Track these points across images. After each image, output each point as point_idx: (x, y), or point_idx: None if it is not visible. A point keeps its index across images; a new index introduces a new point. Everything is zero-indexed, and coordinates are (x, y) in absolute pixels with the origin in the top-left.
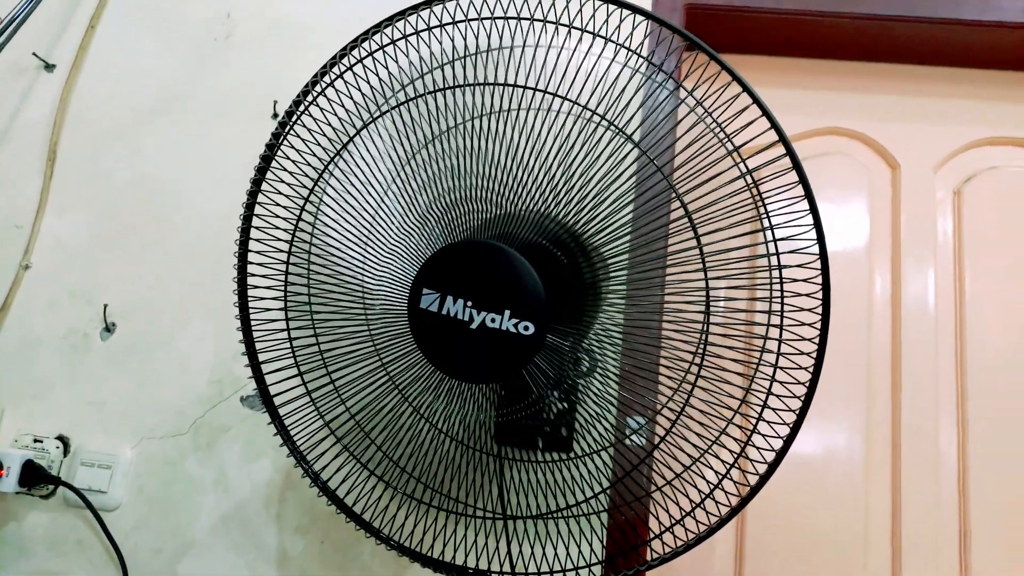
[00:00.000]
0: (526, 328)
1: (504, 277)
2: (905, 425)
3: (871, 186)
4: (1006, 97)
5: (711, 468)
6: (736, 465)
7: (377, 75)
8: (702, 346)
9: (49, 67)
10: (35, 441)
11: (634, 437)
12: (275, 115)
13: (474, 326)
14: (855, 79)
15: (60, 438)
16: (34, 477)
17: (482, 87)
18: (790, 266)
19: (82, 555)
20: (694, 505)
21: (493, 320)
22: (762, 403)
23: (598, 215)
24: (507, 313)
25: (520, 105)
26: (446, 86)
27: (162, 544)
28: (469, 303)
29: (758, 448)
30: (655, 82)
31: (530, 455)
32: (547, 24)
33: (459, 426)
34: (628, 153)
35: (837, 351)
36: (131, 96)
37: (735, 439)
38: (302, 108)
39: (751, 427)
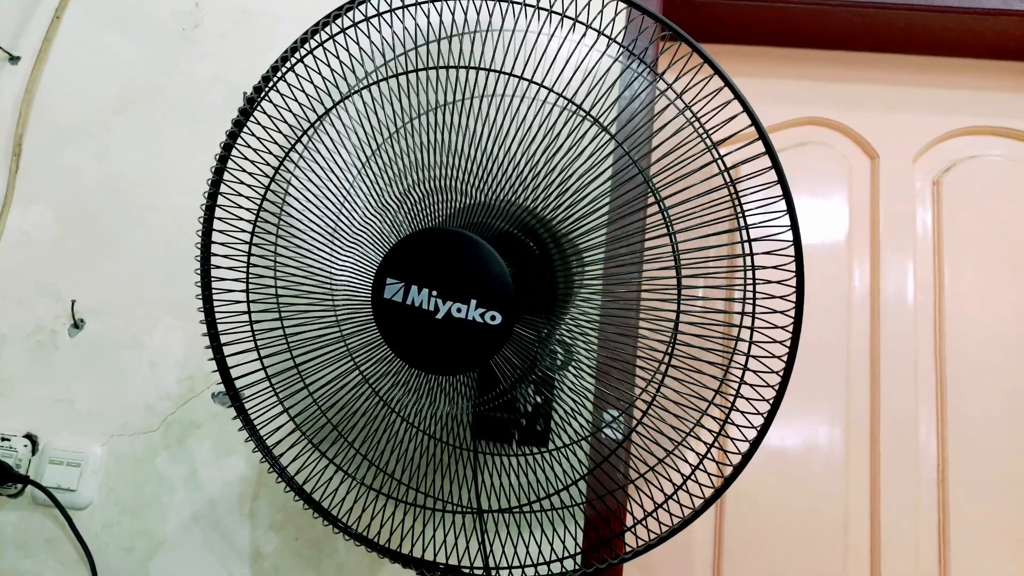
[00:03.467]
0: (493, 318)
1: (470, 266)
2: (884, 419)
3: (850, 176)
4: (985, 86)
5: (686, 461)
6: (711, 457)
7: (339, 58)
8: (672, 335)
9: (13, 59)
10: (2, 439)
11: (608, 430)
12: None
13: (439, 316)
14: (834, 68)
15: (28, 436)
16: (1, 476)
17: (456, 70)
18: (760, 253)
19: (51, 555)
20: (666, 497)
21: (459, 310)
22: (734, 394)
23: (570, 204)
24: (473, 303)
25: (494, 91)
26: (418, 67)
27: (133, 543)
28: (434, 292)
29: (733, 439)
30: (633, 71)
31: (504, 449)
32: (526, 7)
33: (432, 420)
34: (604, 143)
35: (815, 344)
36: (98, 88)
37: (710, 431)
38: (269, 85)
39: (728, 419)
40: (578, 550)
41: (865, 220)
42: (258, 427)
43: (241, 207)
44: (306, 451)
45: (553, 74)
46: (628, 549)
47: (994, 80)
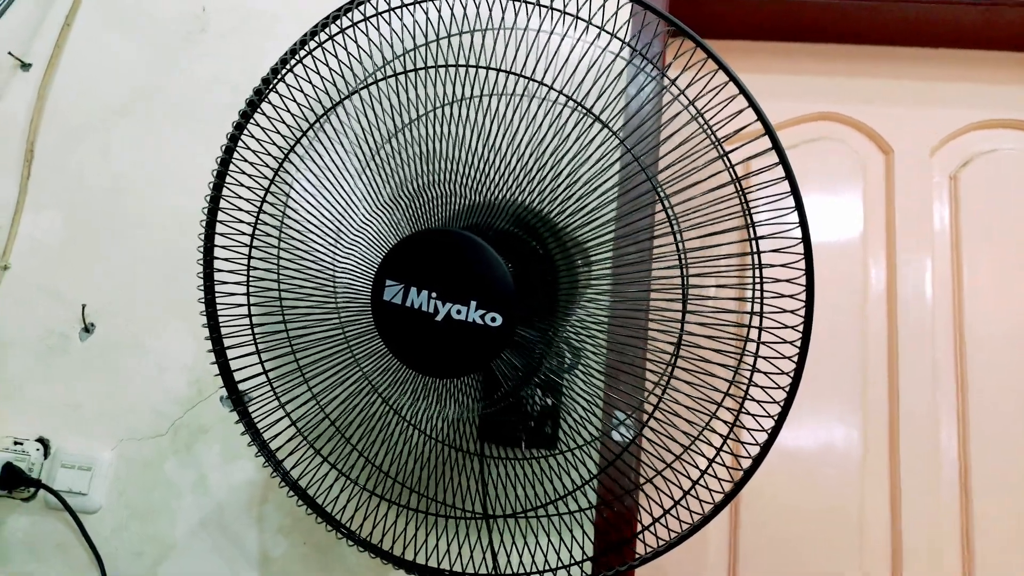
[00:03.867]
0: (493, 320)
1: (470, 267)
2: (903, 419)
3: (864, 172)
4: (1003, 79)
5: (696, 467)
6: (719, 461)
7: (338, 58)
8: (678, 335)
9: (25, 66)
10: (15, 443)
11: (618, 434)
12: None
13: (439, 318)
14: (846, 63)
15: (41, 440)
16: (14, 479)
17: (456, 68)
18: (768, 251)
19: (62, 559)
20: (674, 502)
21: (459, 312)
22: (743, 396)
23: (575, 203)
24: (473, 304)
25: (494, 90)
26: (418, 67)
27: (143, 547)
28: (434, 294)
29: (743, 443)
30: (636, 67)
31: (512, 452)
32: (527, 4)
33: (439, 424)
34: (607, 140)
35: (831, 343)
36: (107, 93)
37: (720, 435)
38: (269, 87)
39: (737, 421)
40: (585, 555)
41: (880, 216)
42: (262, 431)
43: (242, 209)
44: (308, 456)
45: (558, 72)
46: (639, 555)
47: (1012, 72)
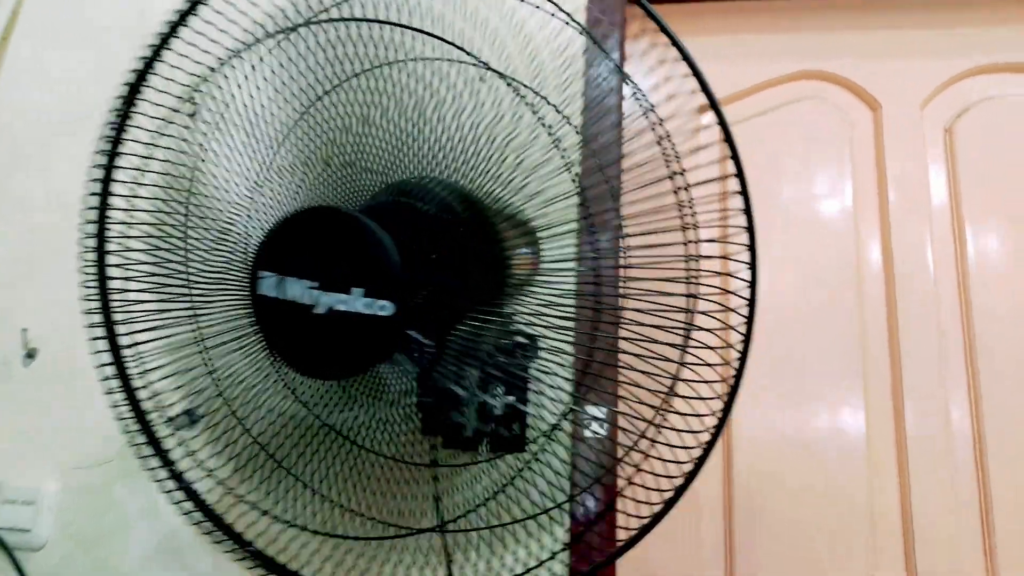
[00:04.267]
0: (383, 308)
1: (355, 251)
2: (909, 400)
3: (851, 130)
4: (996, 19)
5: (637, 470)
6: (658, 454)
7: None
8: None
9: None
10: None
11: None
12: (192, 114)
13: (320, 311)
14: (825, 17)
15: None
16: None
17: (357, 24)
18: (704, 226)
19: None
20: (637, 469)
21: (342, 302)
22: (673, 379)
23: (500, 182)
24: (358, 292)
25: (410, 55)
26: (321, 18)
27: None
28: (313, 284)
29: (695, 432)
30: (561, 18)
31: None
32: None
33: (379, 434)
34: (513, 100)
35: (823, 324)
36: (46, 109)
37: (658, 413)
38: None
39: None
40: (562, 547)
41: (871, 177)
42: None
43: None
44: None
45: (488, 44)
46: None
47: (1007, 11)
